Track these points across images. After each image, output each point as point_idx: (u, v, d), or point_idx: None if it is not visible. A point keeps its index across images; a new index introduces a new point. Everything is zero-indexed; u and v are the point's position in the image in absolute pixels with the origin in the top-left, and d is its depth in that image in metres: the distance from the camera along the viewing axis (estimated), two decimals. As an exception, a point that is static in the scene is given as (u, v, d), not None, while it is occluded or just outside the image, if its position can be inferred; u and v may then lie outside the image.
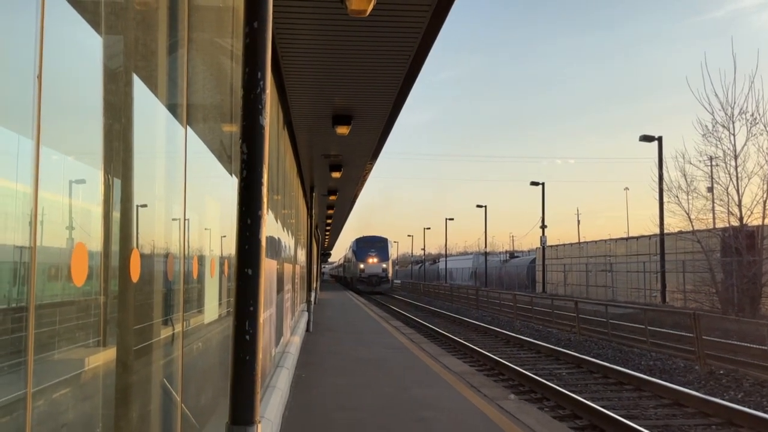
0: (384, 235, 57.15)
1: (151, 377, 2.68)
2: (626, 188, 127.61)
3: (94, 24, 2.07)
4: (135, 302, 2.34)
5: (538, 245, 45.92)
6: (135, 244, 2.31)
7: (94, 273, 1.89)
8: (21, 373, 1.45)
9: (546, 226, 44.29)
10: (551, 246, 48.01)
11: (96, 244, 1.99)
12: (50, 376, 1.70)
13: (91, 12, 2.07)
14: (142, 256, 2.32)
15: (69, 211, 1.81)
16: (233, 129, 4.05)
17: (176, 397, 2.88)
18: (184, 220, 2.93)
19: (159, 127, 2.84)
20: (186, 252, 3.03)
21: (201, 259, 3.56)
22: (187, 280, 3.06)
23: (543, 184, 44.92)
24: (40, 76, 1.43)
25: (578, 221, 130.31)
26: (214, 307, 3.94)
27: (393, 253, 60.39)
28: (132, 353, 2.33)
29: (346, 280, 65.35)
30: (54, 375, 1.74)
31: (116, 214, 2.17)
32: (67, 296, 1.77)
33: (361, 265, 52.91)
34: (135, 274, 2.22)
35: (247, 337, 2.21)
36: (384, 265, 53.08)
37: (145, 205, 2.45)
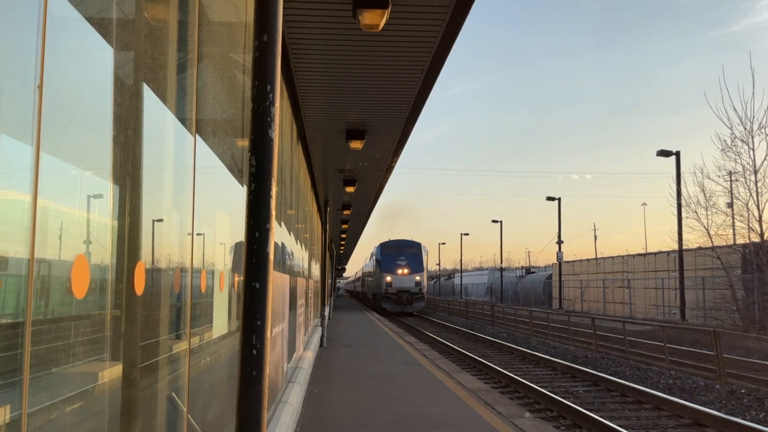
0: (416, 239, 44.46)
1: (158, 393, 2.64)
2: (644, 203, 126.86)
3: (106, 36, 2.07)
4: (140, 316, 2.31)
5: (555, 261, 45.48)
6: (141, 257, 2.29)
7: (95, 286, 1.86)
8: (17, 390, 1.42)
9: (562, 242, 43.88)
10: (568, 262, 47.54)
11: (98, 255, 1.97)
12: (47, 392, 1.67)
13: (104, 26, 2.07)
14: (148, 269, 2.30)
15: (72, 222, 1.79)
16: (245, 143, 4.05)
17: (184, 414, 2.84)
18: (193, 232, 2.91)
19: (168, 139, 2.83)
20: (194, 265, 3.01)
21: (210, 273, 3.53)
22: (195, 294, 3.03)
23: (559, 199, 44.59)
24: (41, 86, 1.42)
25: (595, 237, 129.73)
26: (223, 321, 3.91)
27: (427, 262, 45.76)
28: (137, 369, 2.30)
29: (365, 296, 53.83)
30: (51, 391, 1.71)
31: (121, 226, 2.15)
32: (67, 310, 1.75)
33: (388, 278, 40.50)
34: (140, 287, 2.19)
35: (254, 351, 2.16)
36: (417, 278, 40.72)
37: (153, 218, 2.43)
